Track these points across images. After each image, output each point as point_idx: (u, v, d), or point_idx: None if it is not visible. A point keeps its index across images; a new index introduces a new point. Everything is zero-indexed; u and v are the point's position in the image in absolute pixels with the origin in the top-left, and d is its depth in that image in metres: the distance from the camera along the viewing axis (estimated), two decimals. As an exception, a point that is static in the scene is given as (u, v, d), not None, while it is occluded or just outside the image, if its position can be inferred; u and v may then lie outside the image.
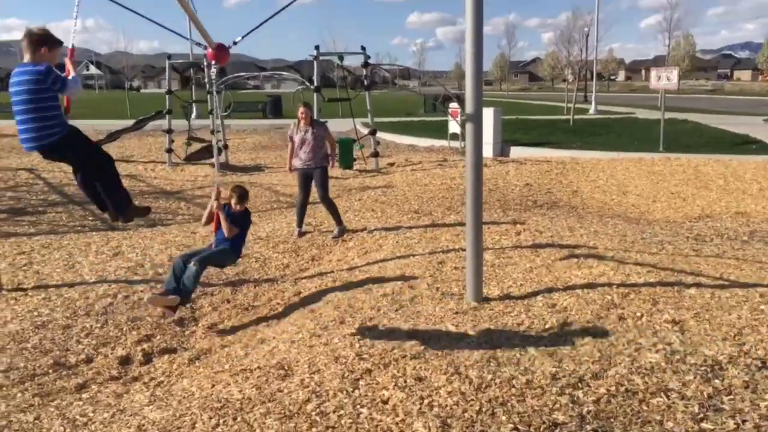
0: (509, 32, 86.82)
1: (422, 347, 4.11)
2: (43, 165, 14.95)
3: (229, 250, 5.40)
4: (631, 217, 9.17)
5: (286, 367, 4.09)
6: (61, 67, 4.31)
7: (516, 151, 15.93)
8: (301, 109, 8.08)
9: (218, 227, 5.41)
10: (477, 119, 4.92)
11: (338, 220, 8.09)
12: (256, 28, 5.42)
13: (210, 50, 5.22)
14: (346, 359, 4.05)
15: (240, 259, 6.13)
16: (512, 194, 10.66)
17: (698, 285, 5.03)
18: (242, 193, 5.43)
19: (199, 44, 5.42)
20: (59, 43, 4.17)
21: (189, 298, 5.26)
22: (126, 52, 60.50)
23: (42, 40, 4.00)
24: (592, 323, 4.35)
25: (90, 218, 9.49)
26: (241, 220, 5.48)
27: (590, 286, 5.08)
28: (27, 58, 3.99)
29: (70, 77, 4.13)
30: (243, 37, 5.40)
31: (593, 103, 34.14)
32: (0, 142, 19.08)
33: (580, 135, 19.37)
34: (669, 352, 3.79)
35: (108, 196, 4.49)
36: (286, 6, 5.56)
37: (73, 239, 8.04)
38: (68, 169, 13.74)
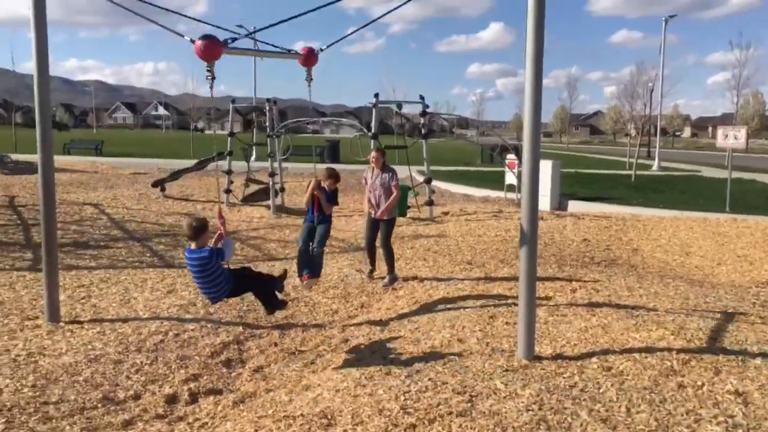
0: (570, 85, 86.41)
1: (469, 404, 3.98)
2: (107, 201, 15.53)
3: (329, 224, 6.98)
4: (694, 279, 8.81)
5: (330, 417, 4.02)
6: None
7: (574, 205, 15.65)
8: (373, 154, 8.09)
9: (316, 207, 6.90)
10: (534, 171, 4.86)
11: (391, 269, 8.02)
12: (277, 24, 5.35)
13: (197, 43, 4.84)
14: (390, 412, 3.95)
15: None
16: (569, 249, 10.42)
17: (764, 355, 4.75)
18: (333, 173, 7.01)
19: (192, 41, 5.06)
20: (207, 225, 5.12)
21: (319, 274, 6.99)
22: (193, 94, 62.86)
23: (202, 228, 4.97)
24: (650, 390, 4.14)
25: (147, 255, 9.73)
26: (334, 198, 7.03)
27: (649, 350, 4.85)
28: (193, 245, 4.99)
29: (223, 243, 5.22)
30: (250, 33, 5.27)
31: (656, 159, 33.42)
32: (69, 177, 19.94)
33: (642, 191, 18.93)
34: (731, 425, 3.56)
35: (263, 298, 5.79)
36: (329, 46, 5.64)
37: (131, 274, 8.23)
38: (130, 205, 14.12)
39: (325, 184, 6.96)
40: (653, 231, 12.39)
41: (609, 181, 22.60)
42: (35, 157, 6.35)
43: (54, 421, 4.24)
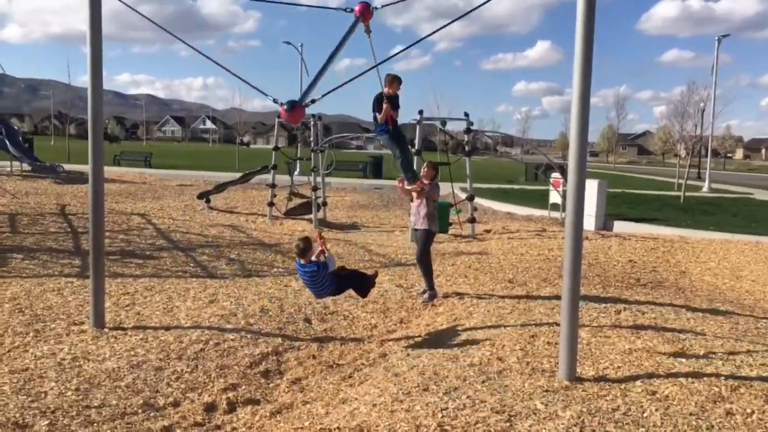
0: (619, 104, 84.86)
1: (507, 424, 3.90)
2: (154, 211, 15.88)
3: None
4: (745, 304, 8.50)
5: (366, 431, 3.99)
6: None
7: (620, 226, 15.34)
8: (424, 165, 8.26)
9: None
10: (579, 190, 4.77)
11: (430, 285, 7.95)
12: (336, 89, 5.50)
13: (282, 108, 5.29)
14: (427, 429, 3.90)
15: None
16: (614, 270, 10.20)
17: (822, 385, 4.53)
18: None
19: (275, 101, 5.50)
20: (311, 245, 6.03)
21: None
22: (240, 108, 64.10)
23: (307, 248, 5.92)
24: (696, 416, 3.99)
25: (191, 265, 9.88)
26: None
27: (695, 375, 4.69)
28: (303, 261, 5.95)
29: (326, 257, 6.11)
30: (323, 96, 5.49)
31: (707, 180, 32.60)
32: (118, 187, 20.49)
33: (691, 213, 18.44)
34: (787, 458, 3.40)
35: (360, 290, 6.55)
36: (373, 67, 5.71)
37: (174, 284, 8.37)
38: (176, 216, 14.38)
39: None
40: (702, 254, 12.04)
41: (657, 202, 22.10)
42: (86, 167, 6.53)
43: (95, 425, 4.31)
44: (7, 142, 24.62)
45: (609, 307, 7.06)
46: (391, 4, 6.60)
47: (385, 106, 7.92)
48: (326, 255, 6.14)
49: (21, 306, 6.91)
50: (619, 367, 4.99)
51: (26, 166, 25.19)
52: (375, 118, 8.14)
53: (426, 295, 7.89)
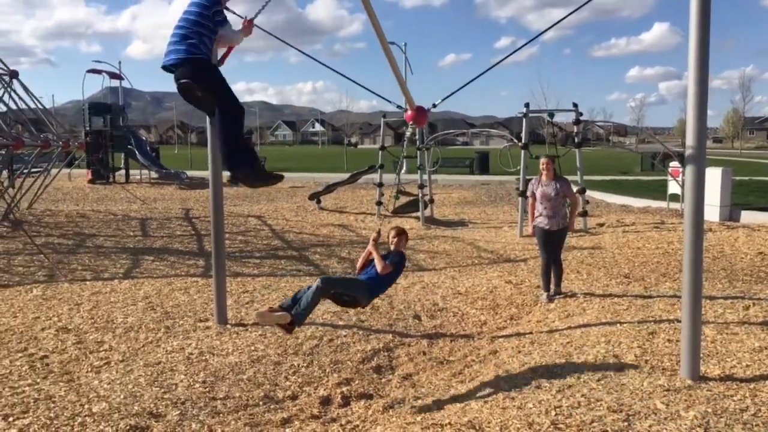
0: (744, 86, 78.96)
1: (626, 423, 3.78)
2: (269, 213, 16.58)
3: (365, 284, 5.13)
4: None
5: (478, 427, 3.99)
6: None
7: (748, 216, 14.31)
8: (543, 160, 7.66)
9: (364, 267, 5.37)
10: (698, 179, 4.53)
11: (559, 283, 7.63)
12: (457, 91, 5.55)
13: (409, 112, 5.44)
14: (540, 427, 3.85)
15: (374, 300, 5.73)
16: (741, 263, 9.55)
17: None
18: (401, 232, 5.39)
19: (400, 107, 5.67)
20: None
21: (301, 320, 4.90)
22: (347, 110, 65.50)
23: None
24: (839, 420, 3.68)
25: (304, 264, 10.24)
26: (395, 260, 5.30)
27: (837, 375, 4.33)
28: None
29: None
30: (443, 100, 5.54)
31: None
32: (236, 191, 21.51)
33: (830, 200, 16.91)
34: None
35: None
36: (492, 66, 5.64)
37: (289, 282, 8.71)
38: (289, 217, 14.96)
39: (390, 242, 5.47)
40: None
41: (790, 189, 20.44)
42: (207, 173, 6.95)
43: (221, 415, 4.58)
44: (137, 152, 26.54)
45: (736, 302, 6.64)
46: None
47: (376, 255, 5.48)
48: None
49: (153, 304, 7.45)
50: (747, 366, 4.69)
51: (154, 174, 27.05)
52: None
53: (552, 292, 7.57)
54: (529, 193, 7.80)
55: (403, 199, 17.00)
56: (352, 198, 20.31)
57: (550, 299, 7.46)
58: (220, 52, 5.68)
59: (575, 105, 14.51)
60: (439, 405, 4.63)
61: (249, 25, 5.26)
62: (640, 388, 4.37)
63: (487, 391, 4.68)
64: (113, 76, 28.56)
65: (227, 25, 5.02)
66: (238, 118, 4.92)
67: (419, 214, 15.55)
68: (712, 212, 14.05)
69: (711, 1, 4.40)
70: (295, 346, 5.99)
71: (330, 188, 19.37)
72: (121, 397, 4.76)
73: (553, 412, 4.04)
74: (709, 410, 3.93)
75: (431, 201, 16.65)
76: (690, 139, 4.59)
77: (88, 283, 8.61)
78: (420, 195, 15.70)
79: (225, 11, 5.11)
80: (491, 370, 5.31)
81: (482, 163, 33.84)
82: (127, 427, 4.25)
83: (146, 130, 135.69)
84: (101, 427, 4.26)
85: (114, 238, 12.41)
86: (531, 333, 6.35)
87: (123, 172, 27.73)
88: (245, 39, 5.25)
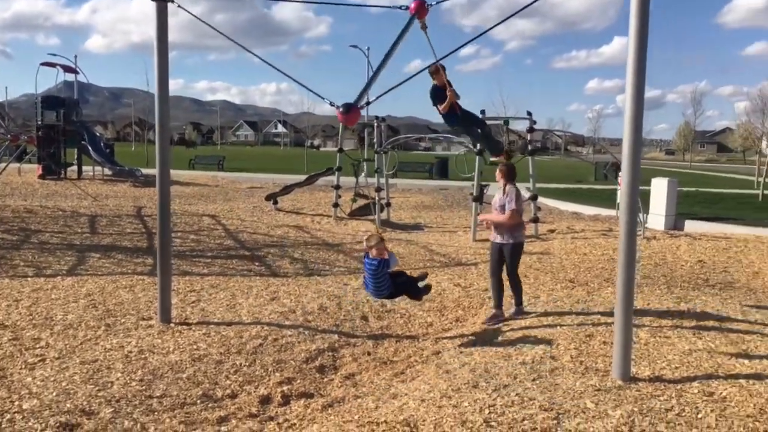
0: (695, 100, 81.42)
1: (554, 421, 3.88)
2: (224, 213, 16.42)
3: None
4: (825, 305, 8.05)
5: (412, 425, 4.04)
6: None
7: (691, 225, 14.76)
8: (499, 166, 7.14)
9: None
10: (633, 185, 4.70)
11: (519, 300, 7.01)
12: (389, 91, 5.59)
13: (339, 111, 5.45)
14: (473, 424, 3.92)
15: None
16: (681, 270, 9.85)
17: None
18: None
19: (332, 104, 5.64)
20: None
21: None
22: (310, 112, 65.31)
23: (377, 243, 5.99)
24: (754, 418, 3.85)
25: (256, 264, 10.18)
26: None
27: (757, 377, 4.52)
28: (371, 254, 6.00)
29: (388, 255, 6.05)
30: (377, 98, 5.58)
31: (790, 177, 30.88)
32: (192, 190, 21.26)
33: (770, 212, 17.55)
34: None
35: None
36: (416, 74, 5.71)
37: (238, 282, 8.65)
38: (245, 217, 14.79)
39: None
40: (780, 254, 11.45)
41: (733, 201, 21.15)
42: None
43: (156, 413, 4.53)
44: (90, 148, 25.95)
45: (672, 307, 6.86)
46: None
47: (448, 93, 7.29)
48: (388, 253, 6.10)
49: (95, 301, 7.32)
50: (676, 368, 4.86)
51: (107, 171, 26.49)
52: (441, 113, 7.56)
53: (513, 309, 7.01)
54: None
55: (361, 202, 17.05)
56: (309, 200, 20.24)
57: (498, 320, 6.84)
58: None
59: (529, 113, 14.80)
60: (377, 404, 4.66)
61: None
62: (573, 388, 4.49)
63: (426, 390, 4.74)
64: (68, 69, 27.93)
65: (390, 263, 6.08)
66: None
67: (375, 217, 15.60)
68: (657, 221, 14.46)
69: (648, 18, 4.56)
70: (238, 345, 5.96)
71: (287, 189, 19.29)
72: (54, 394, 4.67)
73: (487, 411, 4.12)
74: (636, 409, 4.06)
75: (388, 204, 16.74)
76: (626, 148, 4.76)
77: (29, 279, 8.41)
78: (376, 198, 15.75)
79: None
80: (432, 370, 5.37)
81: (441, 169, 34.13)
82: (57, 424, 4.18)
83: (103, 126, 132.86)
84: (30, 423, 4.18)
85: (61, 235, 12.13)
86: (474, 335, 6.44)
87: (75, 167, 27.09)
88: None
